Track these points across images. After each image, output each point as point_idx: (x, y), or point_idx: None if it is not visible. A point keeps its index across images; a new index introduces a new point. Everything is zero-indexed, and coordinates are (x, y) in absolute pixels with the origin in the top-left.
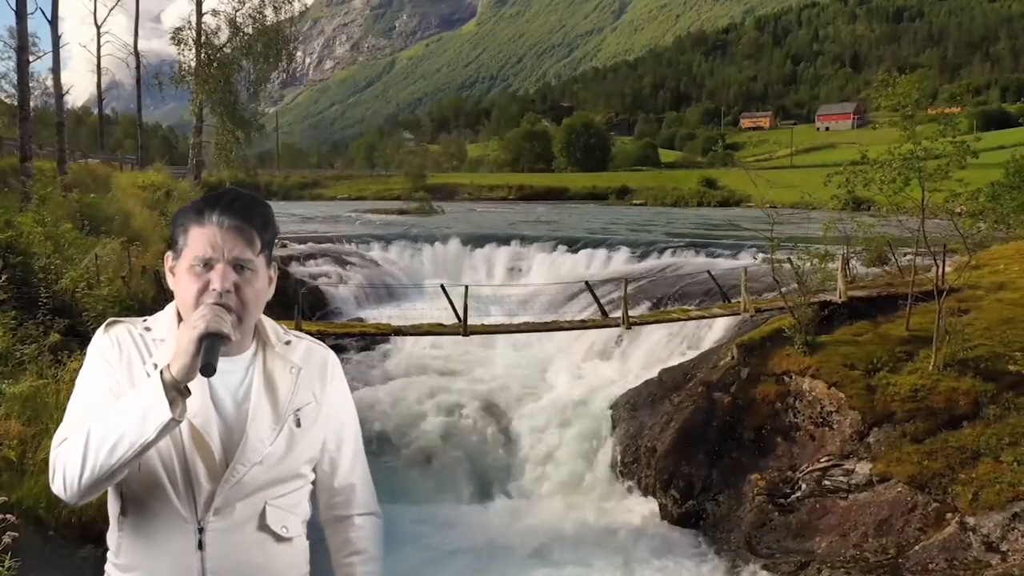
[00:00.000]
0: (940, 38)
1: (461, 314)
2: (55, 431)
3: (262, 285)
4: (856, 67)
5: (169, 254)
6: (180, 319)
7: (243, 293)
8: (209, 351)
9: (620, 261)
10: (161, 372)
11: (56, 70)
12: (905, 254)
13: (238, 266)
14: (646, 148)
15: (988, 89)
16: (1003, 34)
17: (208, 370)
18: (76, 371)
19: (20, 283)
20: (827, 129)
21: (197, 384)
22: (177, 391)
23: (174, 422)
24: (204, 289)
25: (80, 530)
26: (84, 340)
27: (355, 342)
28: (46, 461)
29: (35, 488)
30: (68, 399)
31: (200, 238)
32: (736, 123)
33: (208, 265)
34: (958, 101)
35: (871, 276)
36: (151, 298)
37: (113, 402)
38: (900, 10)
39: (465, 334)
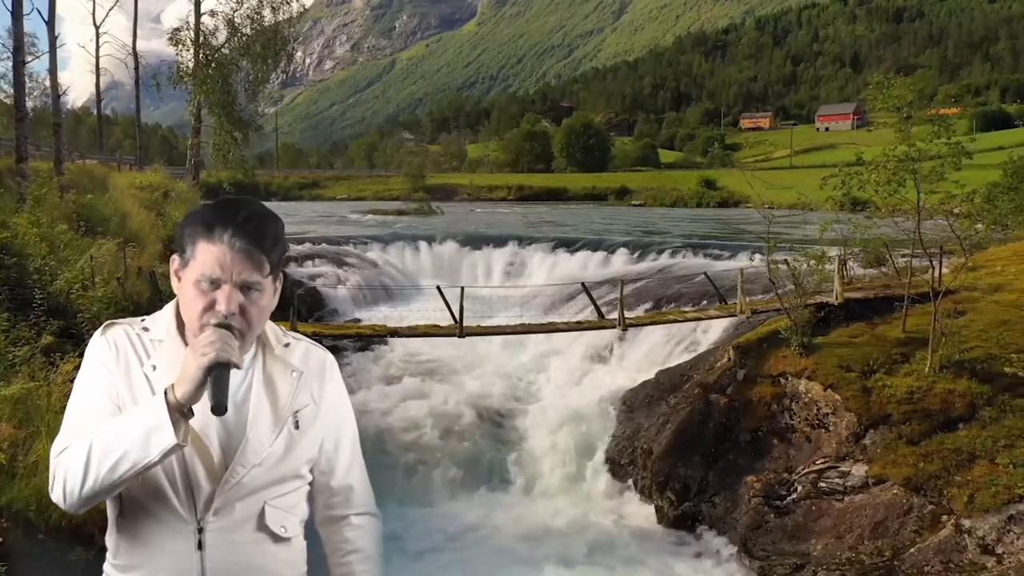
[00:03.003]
0: (940, 38)
1: (457, 315)
2: (47, 434)
3: (268, 303)
4: (856, 67)
5: (175, 257)
6: (179, 321)
7: (248, 314)
8: (218, 383)
9: (618, 262)
10: (166, 393)
11: (53, 71)
12: (902, 255)
13: (245, 287)
14: (646, 148)
15: (988, 90)
16: (1003, 34)
17: (219, 410)
18: (69, 373)
19: (14, 284)
20: (827, 130)
21: None
22: (181, 414)
23: (178, 447)
24: (209, 307)
25: (70, 533)
26: (78, 342)
27: (352, 343)
28: (37, 464)
29: (25, 491)
30: (60, 401)
31: (208, 255)
32: (736, 124)
33: (215, 284)
34: (957, 102)
35: (868, 277)
36: (146, 299)
37: (111, 407)
38: (900, 10)
39: (461, 336)
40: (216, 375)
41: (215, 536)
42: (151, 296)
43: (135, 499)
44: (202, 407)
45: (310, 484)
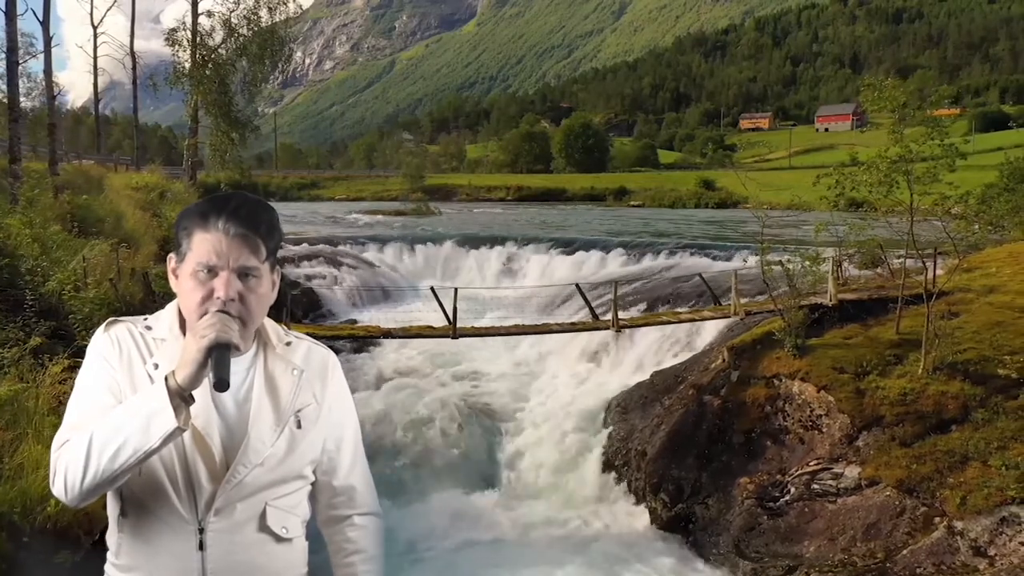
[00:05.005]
0: (940, 39)
1: (451, 316)
2: (33, 436)
3: (266, 291)
4: (856, 68)
5: (172, 256)
6: (181, 319)
7: (247, 301)
8: (219, 363)
9: (615, 263)
10: (166, 379)
11: (48, 71)
12: (898, 256)
13: (243, 273)
14: (645, 149)
15: (987, 90)
16: (1003, 35)
17: (222, 385)
18: (58, 375)
19: (6, 285)
20: (826, 130)
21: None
22: (182, 398)
23: (179, 430)
24: (208, 296)
25: (55, 536)
26: (69, 343)
27: (347, 344)
28: (22, 466)
29: (10, 493)
30: (48, 403)
31: (205, 244)
32: (736, 124)
33: (212, 272)
34: (955, 103)
35: (863, 279)
36: (139, 300)
37: (113, 403)
38: (900, 11)
39: (454, 337)
40: (217, 356)
41: (216, 536)
42: (144, 297)
43: (136, 498)
44: (204, 406)
45: (312, 484)
